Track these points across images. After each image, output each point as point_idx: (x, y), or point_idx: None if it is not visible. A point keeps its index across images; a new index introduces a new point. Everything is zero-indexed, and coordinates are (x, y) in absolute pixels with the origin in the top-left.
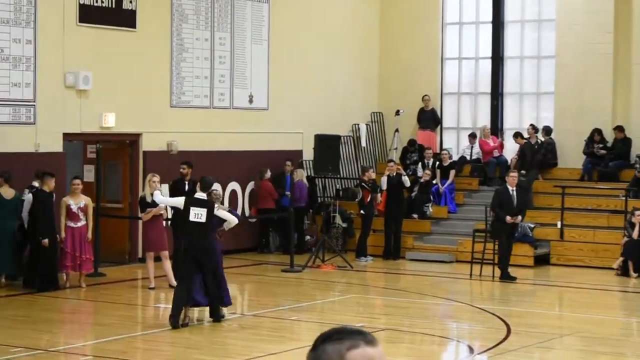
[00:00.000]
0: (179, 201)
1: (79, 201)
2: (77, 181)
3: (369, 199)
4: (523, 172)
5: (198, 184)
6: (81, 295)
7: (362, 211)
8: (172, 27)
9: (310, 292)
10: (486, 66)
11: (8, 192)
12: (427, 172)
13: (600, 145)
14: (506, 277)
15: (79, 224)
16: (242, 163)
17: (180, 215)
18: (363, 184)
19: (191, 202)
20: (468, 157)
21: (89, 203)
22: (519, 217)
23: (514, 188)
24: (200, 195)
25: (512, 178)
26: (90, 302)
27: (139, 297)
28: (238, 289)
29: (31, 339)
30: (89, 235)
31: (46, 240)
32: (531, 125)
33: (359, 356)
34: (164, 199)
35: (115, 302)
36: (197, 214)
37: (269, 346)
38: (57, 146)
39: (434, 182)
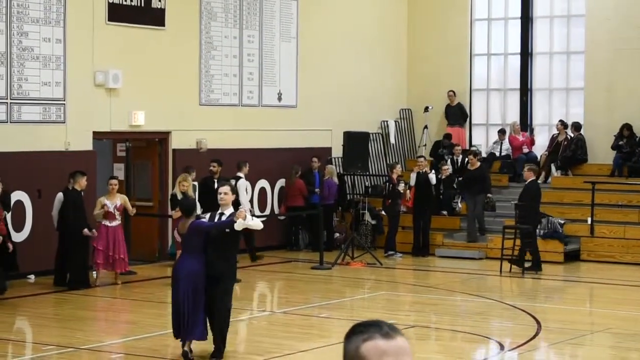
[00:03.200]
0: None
1: (115, 200)
2: (114, 181)
3: (389, 201)
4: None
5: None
6: (112, 293)
7: (382, 212)
8: (200, 25)
9: (339, 289)
10: (515, 62)
11: None
12: (446, 167)
13: (625, 141)
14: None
15: (114, 223)
16: (271, 161)
17: (240, 237)
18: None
19: None
20: (497, 154)
21: (124, 201)
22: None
23: (527, 181)
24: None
25: (527, 173)
26: (121, 300)
27: (169, 295)
28: (268, 287)
29: (62, 337)
30: (129, 207)
31: (86, 230)
32: (560, 121)
33: (371, 348)
34: (254, 222)
35: (146, 300)
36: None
37: (299, 343)
38: (87, 145)
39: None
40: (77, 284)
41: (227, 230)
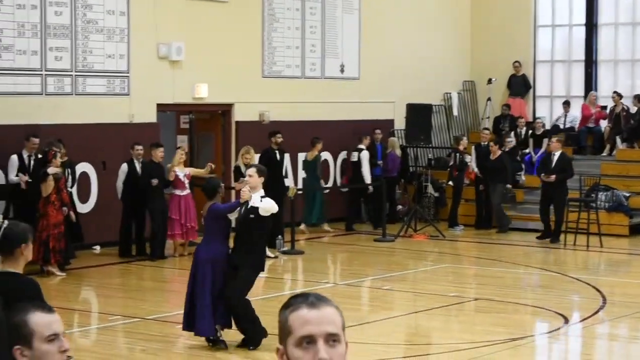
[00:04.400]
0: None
1: (184, 170)
2: (182, 152)
3: (457, 173)
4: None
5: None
6: (175, 264)
7: (450, 183)
8: None
9: (402, 261)
10: (580, 33)
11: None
12: (509, 139)
13: None
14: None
15: (185, 192)
16: (333, 133)
17: (265, 222)
18: (453, 159)
19: None
20: (561, 126)
21: (192, 171)
22: (552, 177)
23: (555, 152)
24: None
25: (553, 144)
26: (185, 270)
27: None
28: (331, 259)
29: (128, 307)
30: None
31: (155, 180)
32: (615, 92)
33: (296, 318)
34: (264, 203)
35: None
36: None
37: (363, 315)
38: (150, 117)
39: (527, 151)
40: (156, 255)
41: (252, 215)
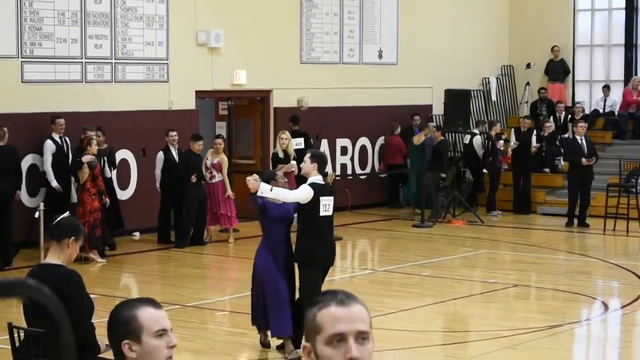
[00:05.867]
0: (301, 194)
1: (215, 158)
2: (219, 140)
3: (490, 159)
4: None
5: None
6: (214, 250)
7: (484, 170)
8: None
9: (440, 247)
10: (620, 17)
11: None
12: (548, 124)
13: None
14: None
15: (213, 181)
16: (371, 118)
17: (305, 212)
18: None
19: (319, 189)
20: (601, 110)
21: (223, 161)
22: (594, 159)
23: (582, 137)
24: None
25: (581, 128)
26: (224, 257)
27: None
28: (369, 245)
29: (168, 294)
30: (229, 192)
31: (194, 177)
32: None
33: (325, 315)
34: (275, 193)
35: (249, 258)
36: (326, 206)
37: (401, 302)
38: (189, 103)
39: (566, 135)
40: (195, 242)
41: (280, 202)
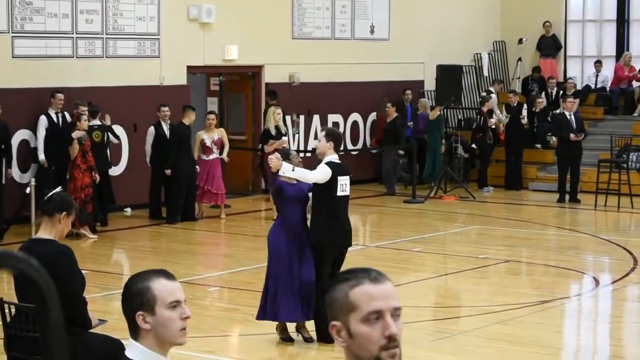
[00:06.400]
0: (320, 174)
1: (212, 135)
2: (212, 116)
3: (480, 134)
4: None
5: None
6: (205, 226)
7: (473, 145)
8: None
9: (432, 223)
10: None
11: None
12: (540, 100)
13: None
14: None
15: (211, 157)
16: (363, 94)
17: (321, 192)
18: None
19: (336, 168)
20: (593, 86)
21: (223, 134)
22: (582, 135)
23: (571, 113)
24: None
25: (570, 103)
26: (216, 233)
27: (263, 228)
28: (360, 220)
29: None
30: (224, 156)
31: (169, 171)
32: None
33: (359, 293)
34: (297, 173)
35: (241, 234)
36: (343, 185)
37: (393, 277)
38: (181, 79)
39: (557, 111)
40: (185, 217)
41: (295, 181)
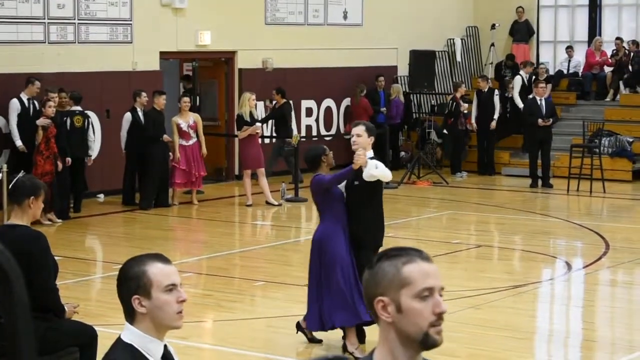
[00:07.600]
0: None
1: (188, 119)
2: (186, 99)
3: (451, 120)
4: None
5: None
6: (179, 212)
7: (445, 131)
8: None
9: (405, 208)
10: None
11: None
12: (512, 86)
13: None
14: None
15: (190, 142)
16: (336, 79)
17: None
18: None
19: None
20: (565, 71)
21: (197, 120)
22: (550, 120)
23: (542, 98)
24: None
25: (542, 89)
26: (189, 219)
27: (236, 214)
28: None
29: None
30: (204, 150)
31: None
32: (618, 37)
33: (415, 270)
34: (380, 170)
35: (214, 220)
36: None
37: None
38: (153, 64)
39: (530, 96)
40: (159, 203)
41: (356, 182)
